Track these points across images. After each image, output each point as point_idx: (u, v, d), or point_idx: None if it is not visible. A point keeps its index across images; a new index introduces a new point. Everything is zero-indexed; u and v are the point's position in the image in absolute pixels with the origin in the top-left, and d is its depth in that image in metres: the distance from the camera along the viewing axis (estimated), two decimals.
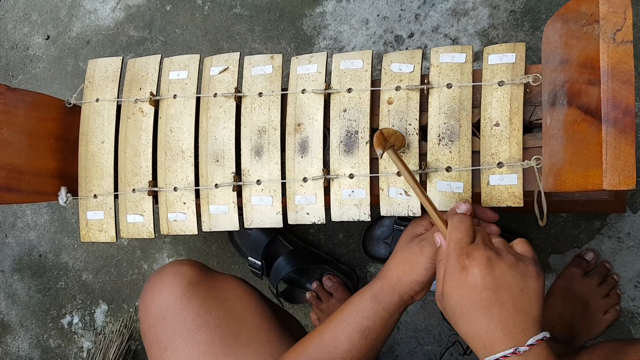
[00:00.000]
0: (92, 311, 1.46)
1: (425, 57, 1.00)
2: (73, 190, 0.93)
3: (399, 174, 0.76)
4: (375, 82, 0.81)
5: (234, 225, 0.84)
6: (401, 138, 0.74)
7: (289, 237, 1.23)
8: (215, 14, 1.39)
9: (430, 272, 0.71)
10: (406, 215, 0.77)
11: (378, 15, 1.26)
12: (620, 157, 0.54)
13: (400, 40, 1.24)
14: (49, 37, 1.54)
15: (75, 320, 1.47)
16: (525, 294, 0.59)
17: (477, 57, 1.15)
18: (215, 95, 0.86)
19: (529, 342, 0.57)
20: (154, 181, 0.88)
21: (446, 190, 0.75)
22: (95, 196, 0.91)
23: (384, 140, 0.71)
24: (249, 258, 1.21)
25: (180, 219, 0.86)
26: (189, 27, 1.41)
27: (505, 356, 0.56)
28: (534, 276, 0.60)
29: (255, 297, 0.85)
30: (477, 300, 0.59)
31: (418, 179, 0.76)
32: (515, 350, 0.56)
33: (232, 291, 0.84)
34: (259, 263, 1.19)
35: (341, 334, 0.72)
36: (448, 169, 0.75)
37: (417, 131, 0.76)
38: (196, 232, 0.86)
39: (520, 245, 0.65)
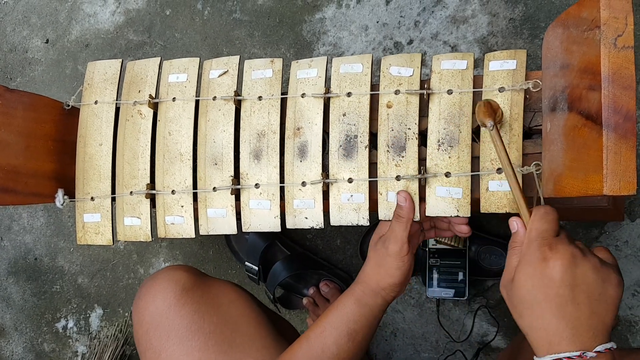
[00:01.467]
0: (87, 315, 1.45)
1: (424, 64, 1.00)
2: (70, 193, 0.92)
3: (398, 177, 0.76)
4: (374, 86, 0.81)
5: (232, 229, 0.84)
6: (502, 115, 0.71)
7: (287, 242, 1.23)
8: (215, 19, 1.39)
9: (403, 270, 0.73)
10: None
11: (377, 22, 1.26)
12: (621, 162, 0.53)
13: (399, 47, 1.24)
14: (48, 40, 1.54)
15: (70, 324, 1.46)
16: (603, 300, 0.57)
17: (477, 64, 1.15)
18: (214, 98, 0.86)
19: (597, 348, 0.55)
20: (152, 184, 0.88)
21: (445, 195, 0.74)
22: (92, 198, 0.90)
23: (493, 112, 0.68)
24: (246, 263, 1.21)
25: (178, 222, 0.86)
26: (189, 31, 1.41)
27: (569, 357, 0.55)
28: (615, 284, 0.58)
29: (250, 303, 0.85)
30: (552, 295, 0.57)
31: (417, 184, 0.76)
32: (583, 353, 0.54)
33: (226, 296, 0.83)
34: (256, 268, 1.19)
35: (328, 338, 0.72)
36: (447, 175, 0.75)
37: (417, 136, 0.76)
38: (193, 236, 0.86)
39: (602, 252, 0.62)
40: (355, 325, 0.73)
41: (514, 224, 0.64)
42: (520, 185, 0.67)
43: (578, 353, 0.55)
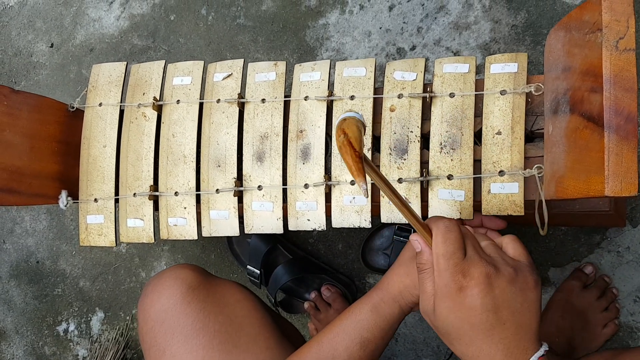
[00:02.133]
0: (89, 319, 1.45)
1: (427, 70, 1.00)
2: (74, 194, 0.93)
3: (400, 180, 0.76)
4: (377, 90, 0.81)
5: (234, 231, 0.84)
6: (363, 127, 0.54)
7: (288, 246, 1.23)
8: (219, 24, 1.40)
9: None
10: (406, 222, 0.77)
11: (380, 28, 1.27)
12: (622, 163, 0.54)
13: (402, 53, 1.25)
14: (52, 44, 1.55)
15: (71, 327, 1.46)
16: (526, 308, 0.57)
17: (479, 70, 1.16)
18: (218, 101, 0.87)
19: (531, 359, 0.56)
20: (155, 185, 0.88)
21: (447, 198, 0.75)
22: (95, 200, 0.91)
23: (360, 162, 0.51)
24: (248, 267, 1.21)
25: (181, 224, 0.86)
26: (193, 36, 1.42)
27: None
28: (532, 287, 0.58)
29: (255, 303, 0.85)
30: (477, 323, 0.56)
31: (419, 187, 0.76)
32: None
33: (232, 296, 0.83)
34: (258, 272, 1.19)
35: (340, 344, 0.71)
36: (449, 177, 0.75)
37: (419, 139, 0.77)
38: (196, 237, 0.86)
39: (512, 246, 0.62)
40: (369, 334, 0.70)
41: (416, 243, 0.62)
42: (521, 185, 0.67)
43: None
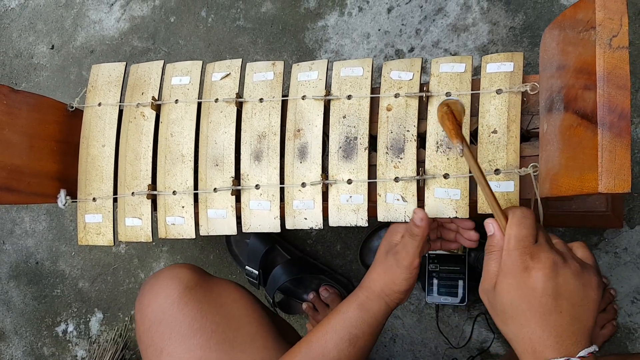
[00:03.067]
0: (88, 319, 1.45)
1: (425, 71, 1.01)
2: (72, 193, 0.93)
3: (397, 179, 0.77)
4: (374, 89, 0.82)
5: (232, 230, 0.85)
6: (460, 109, 0.70)
7: (287, 247, 1.23)
8: (219, 26, 1.40)
9: (410, 281, 0.73)
10: (402, 221, 0.77)
11: (379, 30, 1.27)
12: (615, 160, 0.54)
13: (400, 54, 1.25)
14: (53, 46, 1.55)
15: (70, 328, 1.46)
16: (585, 304, 0.58)
17: (477, 72, 1.16)
18: (216, 100, 0.87)
19: (580, 353, 0.56)
20: (153, 185, 0.88)
21: (444, 197, 0.75)
22: (94, 199, 0.91)
23: (458, 126, 0.67)
24: (246, 267, 1.21)
25: (179, 223, 0.87)
26: (192, 38, 1.43)
27: None
28: (594, 287, 0.59)
29: (252, 303, 0.85)
30: (536, 305, 0.57)
31: (415, 186, 0.76)
32: (567, 359, 0.56)
33: (229, 296, 0.83)
34: (256, 272, 1.19)
35: (329, 342, 0.72)
36: (446, 176, 0.75)
37: (416, 138, 0.77)
38: (194, 236, 0.86)
39: (580, 250, 0.63)
40: (357, 330, 0.72)
41: (490, 226, 0.64)
42: (517, 184, 0.67)
43: (563, 359, 0.56)
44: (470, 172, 0.74)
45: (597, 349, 0.57)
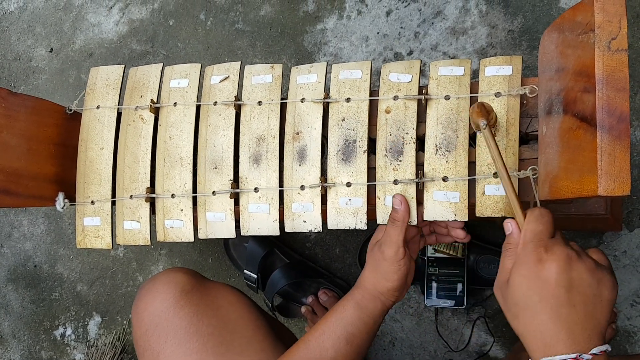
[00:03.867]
0: (86, 323, 1.45)
1: (423, 74, 1.01)
2: (71, 196, 0.93)
3: (396, 182, 0.77)
4: (373, 92, 0.82)
5: (231, 233, 0.84)
6: (495, 118, 0.72)
7: (286, 250, 1.23)
8: (218, 29, 1.40)
9: (400, 274, 0.73)
10: None
11: (378, 33, 1.27)
12: (615, 163, 0.54)
13: (399, 58, 1.25)
14: (52, 49, 1.55)
15: (68, 332, 1.46)
16: (598, 302, 0.57)
17: (475, 75, 1.16)
18: (215, 103, 0.87)
19: (593, 350, 0.55)
20: (152, 188, 0.88)
21: (442, 199, 0.75)
22: (92, 202, 0.91)
23: (486, 113, 0.68)
24: (245, 271, 1.21)
25: (177, 226, 0.86)
26: (191, 41, 1.43)
27: (565, 359, 0.55)
28: (609, 287, 0.58)
29: (248, 306, 0.85)
30: (548, 297, 0.57)
31: (414, 188, 0.76)
32: (579, 356, 0.54)
33: (225, 299, 0.83)
34: (255, 276, 1.19)
35: (327, 341, 0.72)
36: (445, 179, 0.75)
37: (414, 140, 0.77)
38: (192, 239, 0.86)
39: (596, 253, 0.62)
40: (354, 329, 0.73)
41: (509, 225, 0.64)
42: (515, 187, 0.67)
43: (574, 355, 0.54)
44: (469, 175, 0.74)
45: (610, 349, 0.56)
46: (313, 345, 0.73)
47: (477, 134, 0.74)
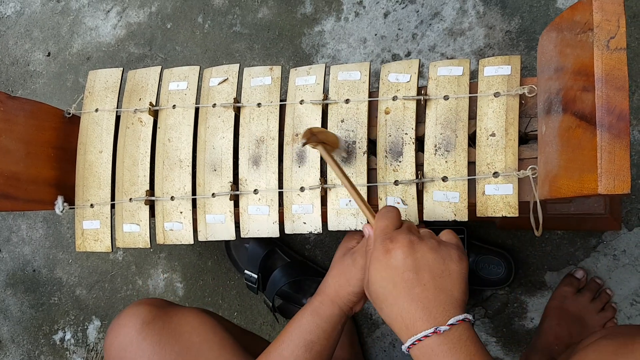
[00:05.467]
0: (85, 327, 1.44)
1: (422, 75, 1.01)
2: (70, 200, 0.93)
3: (396, 182, 0.77)
4: (372, 93, 0.82)
5: (230, 235, 0.84)
6: (333, 138, 0.74)
7: (287, 250, 1.23)
8: (215, 32, 1.41)
9: (363, 283, 0.74)
10: None
11: (376, 35, 1.27)
12: (615, 161, 0.54)
13: (397, 59, 1.26)
14: (49, 53, 1.55)
15: (68, 336, 1.46)
16: (447, 276, 0.61)
17: (474, 75, 1.17)
18: (214, 105, 0.87)
19: (450, 321, 0.58)
20: (151, 190, 0.88)
21: (442, 200, 0.75)
22: (92, 205, 0.91)
23: (310, 134, 0.70)
24: (245, 272, 1.21)
25: (177, 229, 0.86)
26: (189, 44, 1.43)
27: (426, 336, 0.57)
28: (455, 260, 0.62)
29: (213, 327, 0.85)
30: (399, 282, 0.60)
31: (415, 189, 0.76)
32: (436, 329, 0.57)
33: (188, 324, 0.83)
34: (255, 276, 1.19)
35: (286, 350, 0.74)
36: (444, 179, 0.75)
37: (414, 141, 0.77)
38: (192, 242, 0.86)
39: (445, 234, 0.67)
40: (312, 336, 0.74)
41: (365, 230, 0.70)
42: (360, 193, 0.71)
43: (432, 329, 0.57)
44: (469, 175, 0.74)
45: (469, 318, 0.59)
46: (273, 355, 0.74)
47: (478, 135, 0.74)
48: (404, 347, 0.60)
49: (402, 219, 0.69)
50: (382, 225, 0.65)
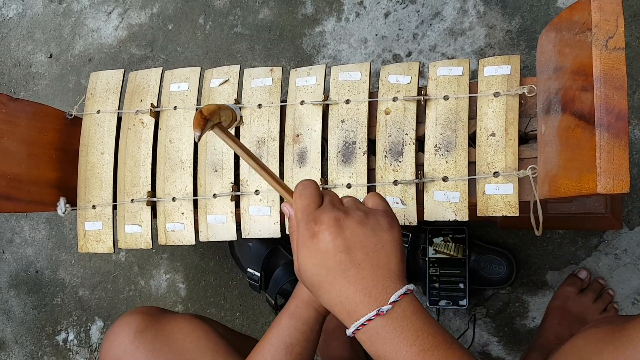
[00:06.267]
0: (88, 328, 1.45)
1: (422, 75, 1.01)
2: (72, 201, 0.93)
3: (396, 182, 0.77)
4: (372, 94, 0.82)
5: (232, 235, 0.85)
6: (229, 112, 0.65)
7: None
8: (217, 33, 1.41)
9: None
10: (402, 224, 0.77)
11: (376, 35, 1.28)
12: (613, 161, 0.54)
13: (398, 59, 1.26)
14: (51, 55, 1.56)
15: (71, 337, 1.46)
16: (381, 249, 0.56)
17: (474, 75, 1.17)
18: None
19: (392, 299, 0.54)
20: (153, 191, 0.89)
21: (443, 200, 0.75)
22: (94, 207, 0.91)
23: (203, 120, 0.60)
24: (248, 270, 1.21)
25: (178, 229, 0.87)
26: (191, 45, 1.43)
27: (369, 319, 0.54)
28: (386, 228, 0.57)
29: (206, 333, 0.85)
30: (332, 266, 0.56)
31: (414, 189, 0.76)
32: (379, 311, 0.54)
33: (181, 331, 0.84)
34: (258, 274, 1.19)
35: (267, 355, 0.73)
36: (445, 179, 0.75)
37: (414, 141, 0.77)
38: (194, 242, 0.86)
39: (371, 199, 0.61)
40: (291, 339, 0.73)
41: (285, 209, 0.63)
42: (270, 170, 0.63)
43: (375, 312, 0.54)
44: (469, 175, 0.75)
45: (411, 287, 0.56)
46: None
47: (477, 135, 0.74)
48: (348, 332, 0.56)
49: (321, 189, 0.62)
50: (302, 206, 0.59)
